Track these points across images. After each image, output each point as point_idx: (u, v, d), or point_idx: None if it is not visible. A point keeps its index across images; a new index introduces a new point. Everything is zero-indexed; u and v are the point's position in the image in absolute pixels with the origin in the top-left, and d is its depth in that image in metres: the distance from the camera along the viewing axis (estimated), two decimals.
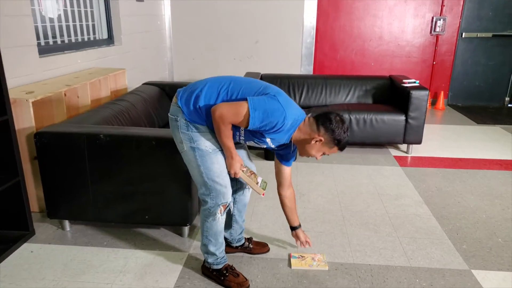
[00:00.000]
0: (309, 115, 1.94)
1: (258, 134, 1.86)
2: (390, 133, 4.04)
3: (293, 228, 2.31)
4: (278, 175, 2.17)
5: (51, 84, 3.00)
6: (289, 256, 2.37)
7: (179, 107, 1.88)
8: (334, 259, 2.37)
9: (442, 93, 6.13)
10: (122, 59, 4.51)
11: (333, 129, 1.83)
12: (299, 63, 6.07)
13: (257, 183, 1.99)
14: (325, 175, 3.60)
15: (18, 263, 2.26)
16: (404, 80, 4.23)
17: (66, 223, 2.58)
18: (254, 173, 2.03)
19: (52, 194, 2.43)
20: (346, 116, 4.01)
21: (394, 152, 4.23)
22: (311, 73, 6.18)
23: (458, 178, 3.58)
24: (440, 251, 2.46)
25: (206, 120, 1.87)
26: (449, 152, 4.25)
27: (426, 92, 3.93)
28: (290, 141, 1.94)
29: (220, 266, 2.12)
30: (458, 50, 6.14)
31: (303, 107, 4.39)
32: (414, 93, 3.93)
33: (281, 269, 2.27)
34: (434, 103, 6.30)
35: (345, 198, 3.16)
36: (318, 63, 6.24)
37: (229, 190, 1.99)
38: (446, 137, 4.80)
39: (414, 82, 4.19)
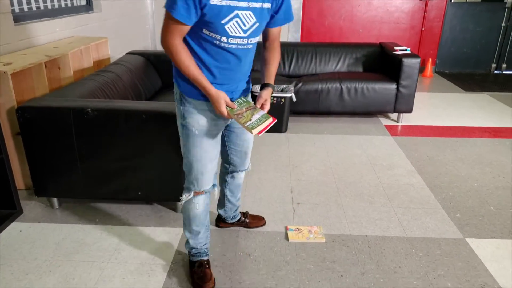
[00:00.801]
0: None
1: (216, 22, 1.48)
2: (381, 102, 4.00)
3: (262, 86, 1.81)
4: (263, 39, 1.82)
5: (30, 54, 2.82)
6: (286, 229, 2.36)
7: (175, 77, 1.73)
8: (330, 231, 2.36)
9: (430, 60, 6.09)
10: (102, 27, 4.29)
11: None
12: (286, 30, 5.91)
13: (250, 120, 1.60)
14: (317, 146, 3.56)
15: (7, 243, 2.18)
16: (395, 48, 4.16)
17: (55, 200, 2.49)
18: (252, 107, 1.68)
19: (39, 171, 2.32)
20: (337, 85, 3.94)
21: (384, 121, 4.21)
22: (299, 40, 6.04)
23: (448, 146, 3.59)
24: (435, 221, 2.48)
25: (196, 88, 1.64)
26: (439, 121, 4.25)
27: (418, 60, 3.88)
28: None
29: (193, 259, 2.00)
30: (447, 16, 6.07)
31: (293, 76, 4.31)
32: (406, 61, 3.87)
33: (279, 242, 2.25)
34: (422, 70, 6.27)
35: (338, 169, 3.14)
36: (305, 29, 6.10)
37: (206, 178, 1.81)
38: (435, 105, 4.80)
39: (406, 50, 4.12)
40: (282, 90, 3.75)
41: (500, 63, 6.34)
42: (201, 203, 1.88)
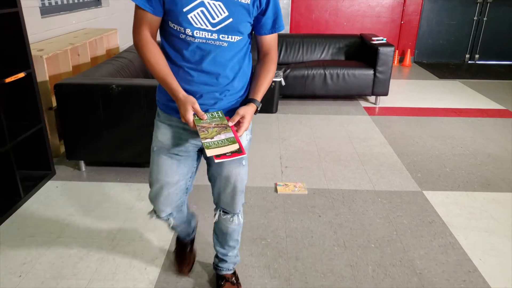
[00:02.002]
0: None
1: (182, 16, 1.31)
2: (360, 86, 4.52)
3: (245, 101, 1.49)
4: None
5: (55, 43, 3.28)
6: (275, 185, 2.86)
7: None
8: (312, 186, 2.87)
9: (409, 50, 6.63)
10: (110, 20, 4.74)
11: None
12: None
13: (210, 138, 1.31)
14: (303, 124, 4.07)
15: (48, 196, 2.66)
16: (373, 38, 4.67)
17: (82, 164, 2.97)
18: (223, 125, 1.36)
19: (70, 138, 2.80)
20: (321, 71, 4.44)
21: (363, 103, 4.73)
22: (288, 32, 6.53)
23: (418, 124, 4.12)
24: (399, 179, 3.00)
25: (164, 95, 1.47)
26: (412, 103, 4.78)
27: (392, 48, 4.39)
28: None
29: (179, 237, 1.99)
30: (424, 10, 6.60)
31: (282, 64, 4.80)
32: (382, 50, 4.38)
33: (269, 194, 2.75)
34: (401, 60, 6.80)
35: (321, 141, 3.65)
36: (294, 23, 6.59)
37: (159, 204, 1.62)
38: (411, 90, 5.33)
39: (382, 40, 4.64)
40: None
41: (473, 53, 6.89)
42: (171, 220, 1.73)
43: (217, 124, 1.36)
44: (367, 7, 6.48)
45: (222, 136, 1.31)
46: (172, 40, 1.38)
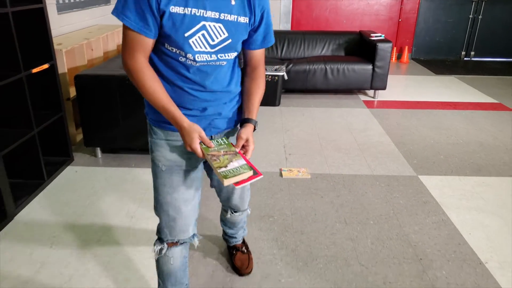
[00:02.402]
0: None
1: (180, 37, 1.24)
2: (359, 81, 4.71)
3: (242, 122, 1.46)
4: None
5: (72, 37, 3.47)
6: (280, 170, 3.05)
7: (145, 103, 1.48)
8: (314, 171, 3.07)
9: (406, 48, 6.83)
10: None
11: None
12: (278, 21, 6.60)
13: (224, 167, 1.29)
14: (305, 116, 4.26)
15: (69, 179, 2.85)
16: (372, 34, 4.87)
17: (98, 151, 3.16)
18: (232, 152, 1.37)
19: (88, 126, 2.99)
20: (322, 66, 4.64)
21: (363, 97, 4.93)
22: (289, 29, 6.72)
23: (414, 116, 4.32)
24: (396, 165, 3.20)
25: (155, 111, 1.40)
26: (409, 97, 4.98)
27: (390, 44, 4.59)
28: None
29: None
30: (421, 8, 6.80)
31: (284, 60, 4.99)
32: (380, 45, 4.58)
33: (275, 178, 2.95)
34: (399, 57, 7.00)
35: (322, 131, 3.84)
36: (295, 20, 6.78)
37: (180, 225, 1.50)
38: (408, 85, 5.53)
39: (380, 36, 4.83)
40: (275, 70, 4.44)
41: (468, 50, 7.10)
42: (176, 257, 1.56)
43: (226, 152, 1.36)
44: (366, 5, 6.68)
45: (236, 164, 1.31)
46: (169, 60, 1.32)
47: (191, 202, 1.50)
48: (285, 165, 3.16)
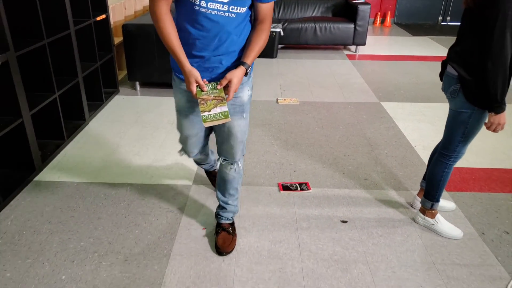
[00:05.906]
0: None
1: None
2: (343, 37, 5.65)
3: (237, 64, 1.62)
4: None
5: None
6: (276, 99, 4.03)
7: None
8: (303, 99, 4.04)
9: (389, 13, 7.70)
10: None
11: None
12: None
13: (208, 111, 1.53)
14: (297, 65, 5.21)
15: (118, 103, 3.83)
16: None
17: (137, 85, 4.12)
18: (219, 98, 1.56)
19: (132, 64, 3.94)
20: (312, 25, 5.56)
21: (346, 52, 5.86)
22: None
23: (388, 66, 5.27)
24: (366, 96, 4.17)
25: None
26: (386, 52, 5.91)
27: (368, 6, 5.50)
28: None
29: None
30: None
31: (281, 20, 5.91)
32: (361, 7, 5.49)
33: (272, 104, 3.92)
34: (383, 21, 7.88)
35: (310, 76, 4.80)
36: None
37: (187, 148, 1.96)
38: (386, 43, 6.45)
39: (362, 0, 5.73)
40: (274, 27, 5.36)
41: (445, 15, 7.97)
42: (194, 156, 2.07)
43: (215, 97, 1.55)
44: None
45: (218, 110, 1.52)
46: (185, 10, 1.49)
47: (194, 137, 1.88)
48: (280, 96, 4.13)
